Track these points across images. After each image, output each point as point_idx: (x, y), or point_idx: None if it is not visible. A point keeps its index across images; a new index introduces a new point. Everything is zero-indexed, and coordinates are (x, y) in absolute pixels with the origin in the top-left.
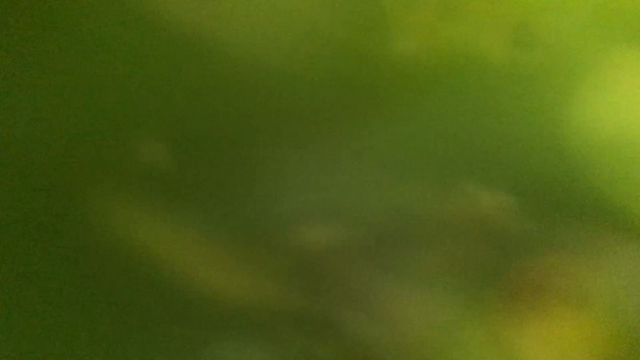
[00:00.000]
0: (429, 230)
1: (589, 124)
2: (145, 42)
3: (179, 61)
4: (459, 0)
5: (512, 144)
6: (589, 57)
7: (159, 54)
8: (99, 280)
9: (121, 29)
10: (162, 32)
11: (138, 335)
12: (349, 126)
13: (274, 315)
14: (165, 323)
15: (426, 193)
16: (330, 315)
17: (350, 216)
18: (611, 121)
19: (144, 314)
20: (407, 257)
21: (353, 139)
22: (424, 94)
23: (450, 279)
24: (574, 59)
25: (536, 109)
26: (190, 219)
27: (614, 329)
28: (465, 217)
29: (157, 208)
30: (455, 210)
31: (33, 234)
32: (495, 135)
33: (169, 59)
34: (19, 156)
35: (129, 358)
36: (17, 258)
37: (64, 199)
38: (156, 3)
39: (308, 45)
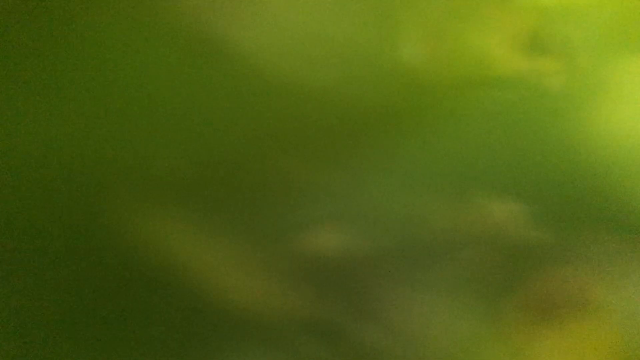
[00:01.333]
0: (444, 242)
1: (606, 134)
2: (175, 54)
3: (204, 72)
4: (474, 11)
5: (529, 155)
6: (606, 66)
7: (188, 66)
8: (118, 287)
9: (147, 41)
10: (190, 45)
11: (152, 342)
12: (367, 139)
13: (287, 324)
14: (178, 330)
15: (442, 205)
16: (344, 325)
17: (366, 226)
18: (628, 130)
19: (159, 320)
20: (422, 268)
21: (370, 151)
22: (441, 108)
23: (465, 290)
24: (589, 67)
25: (552, 119)
26: (211, 228)
27: (630, 340)
28: (481, 228)
29: (177, 216)
30: (472, 222)
31: (58, 243)
32: (511, 146)
33: (196, 70)
34: (46, 166)
35: None
36: (43, 266)
37: (89, 208)
38: (187, 16)
39: (329, 59)
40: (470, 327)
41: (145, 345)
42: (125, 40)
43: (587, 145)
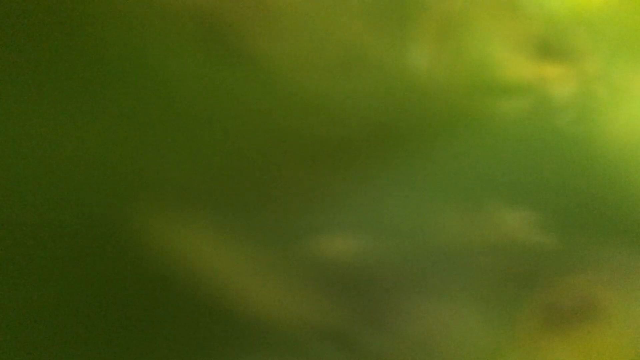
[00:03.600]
0: (457, 250)
1: (617, 141)
2: (196, 65)
3: (223, 83)
4: (485, 19)
5: (540, 163)
6: (616, 72)
7: (208, 76)
8: (137, 290)
9: (170, 52)
10: (210, 55)
11: (168, 345)
12: (381, 148)
13: (301, 330)
14: (194, 333)
15: (454, 213)
16: (357, 331)
17: (381, 234)
18: (639, 138)
19: (176, 324)
20: (435, 275)
21: (384, 160)
22: (452, 118)
23: (478, 297)
24: (599, 74)
25: (563, 127)
26: (228, 234)
27: None
28: (494, 236)
29: (196, 222)
30: (484, 231)
31: (81, 248)
32: (522, 155)
33: (215, 81)
34: (71, 174)
35: None
36: (65, 271)
37: (111, 214)
38: (209, 25)
39: (343, 69)
40: (482, 335)
41: (162, 348)
42: (149, 52)
43: (598, 153)
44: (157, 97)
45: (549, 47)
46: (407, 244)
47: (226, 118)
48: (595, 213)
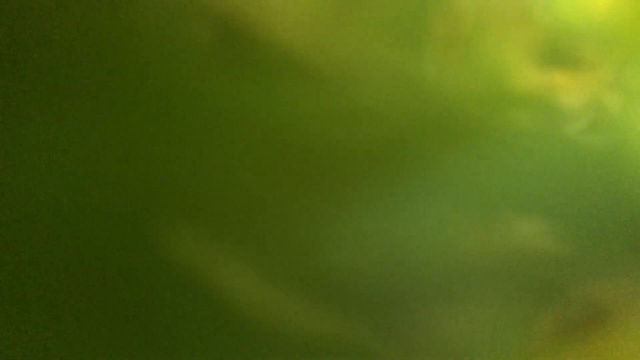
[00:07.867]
0: (473, 260)
1: (629, 149)
2: (217, 73)
3: (236, 99)
4: (496, 28)
5: (555, 173)
6: (628, 79)
7: (230, 85)
8: (154, 298)
9: (193, 60)
10: (228, 66)
11: (181, 352)
12: (400, 163)
13: (314, 340)
14: (206, 341)
15: (469, 223)
16: (375, 342)
17: (395, 244)
18: None
19: (189, 331)
20: (451, 286)
21: (399, 170)
22: (469, 129)
23: (495, 306)
24: (611, 81)
25: (577, 137)
26: (246, 247)
27: None
28: (509, 246)
29: (210, 236)
30: (500, 240)
31: (105, 258)
32: (537, 165)
33: (237, 92)
34: (94, 193)
35: None
36: (88, 278)
37: (127, 228)
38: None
39: (361, 79)
40: (498, 343)
41: (176, 355)
42: (171, 65)
43: (610, 162)
44: (176, 112)
45: (561, 56)
46: (423, 254)
47: (242, 132)
48: (609, 222)
